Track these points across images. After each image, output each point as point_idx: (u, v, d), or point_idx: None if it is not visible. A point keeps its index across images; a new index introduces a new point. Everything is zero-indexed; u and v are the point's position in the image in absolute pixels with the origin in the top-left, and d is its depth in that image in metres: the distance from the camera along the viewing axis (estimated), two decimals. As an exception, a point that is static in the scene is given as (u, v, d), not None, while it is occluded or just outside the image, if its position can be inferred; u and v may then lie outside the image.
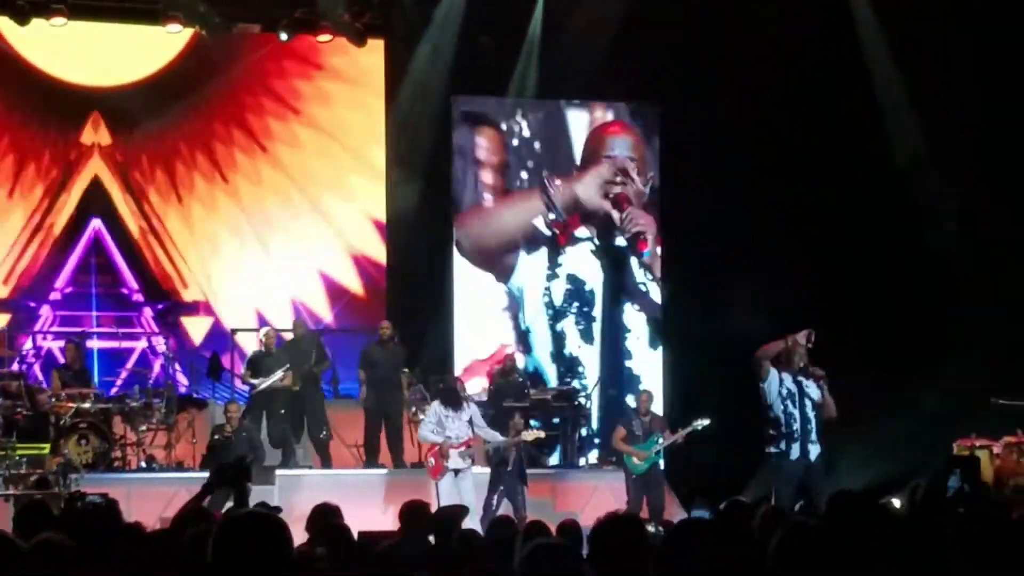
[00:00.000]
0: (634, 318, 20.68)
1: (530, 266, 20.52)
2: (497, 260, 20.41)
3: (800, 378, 13.72)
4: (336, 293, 20.98)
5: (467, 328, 20.37)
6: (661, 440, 16.64)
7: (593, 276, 20.67)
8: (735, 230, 19.59)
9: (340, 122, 21.28)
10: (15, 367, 17.78)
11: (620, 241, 20.65)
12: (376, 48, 20.90)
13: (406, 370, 18.26)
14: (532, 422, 18.25)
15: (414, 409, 17.92)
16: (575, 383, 20.06)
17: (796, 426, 13.64)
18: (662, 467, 17.64)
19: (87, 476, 15.37)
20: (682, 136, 20.29)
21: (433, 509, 12.47)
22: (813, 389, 13.72)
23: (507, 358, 19.19)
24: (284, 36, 20.20)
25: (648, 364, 20.63)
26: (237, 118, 20.94)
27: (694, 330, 19.73)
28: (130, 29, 20.24)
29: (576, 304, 20.49)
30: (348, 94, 21.29)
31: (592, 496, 17.39)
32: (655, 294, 20.73)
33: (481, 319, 20.43)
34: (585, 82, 20.16)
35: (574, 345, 20.49)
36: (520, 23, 20.35)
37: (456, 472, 15.90)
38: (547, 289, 20.49)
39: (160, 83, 20.53)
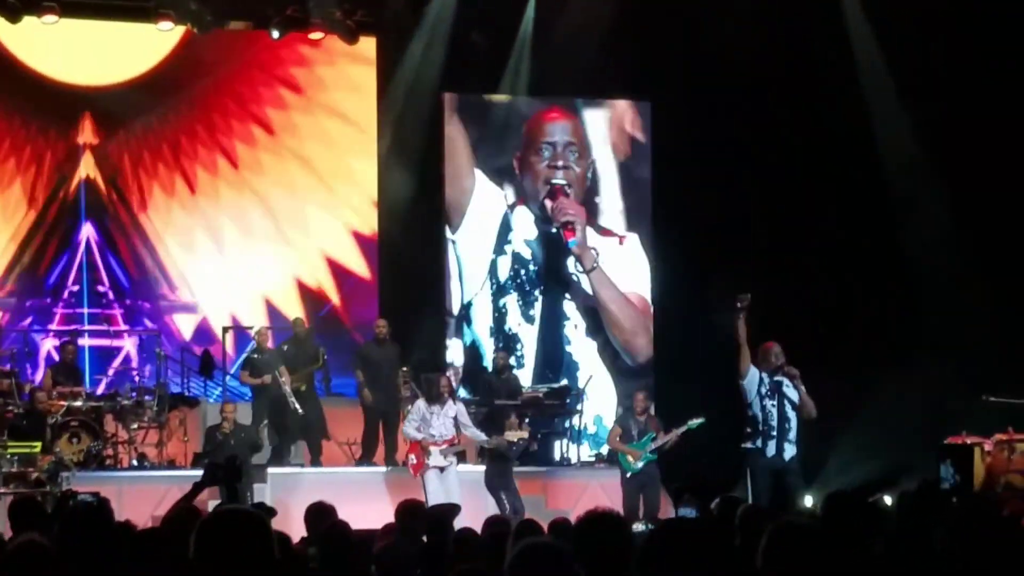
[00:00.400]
0: (570, 307, 20.64)
1: (478, 227, 20.48)
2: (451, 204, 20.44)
3: (778, 377, 13.76)
4: (342, 276, 20.94)
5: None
6: (656, 439, 16.64)
7: (535, 259, 20.64)
8: (726, 225, 19.61)
9: (332, 122, 21.27)
10: (7, 365, 17.72)
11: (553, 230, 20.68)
12: (368, 45, 20.89)
13: (404, 369, 18.25)
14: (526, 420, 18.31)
15: (409, 408, 17.89)
16: (564, 381, 20.04)
17: (773, 423, 13.70)
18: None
19: (79, 474, 15.35)
20: (673, 131, 20.29)
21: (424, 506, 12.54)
22: (791, 389, 13.76)
23: (499, 356, 19.16)
24: (276, 34, 20.16)
25: (586, 352, 20.58)
26: (228, 117, 20.92)
27: (684, 325, 19.73)
28: (121, 27, 20.21)
29: (519, 282, 20.47)
30: (340, 94, 21.28)
31: (584, 494, 17.39)
32: (586, 285, 20.67)
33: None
34: (577, 79, 20.15)
35: (514, 322, 20.47)
36: (512, 20, 20.36)
37: (441, 469, 15.87)
38: (493, 263, 20.47)
39: (151, 81, 20.53)
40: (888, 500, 17.01)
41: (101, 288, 20.27)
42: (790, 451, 13.79)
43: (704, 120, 19.56)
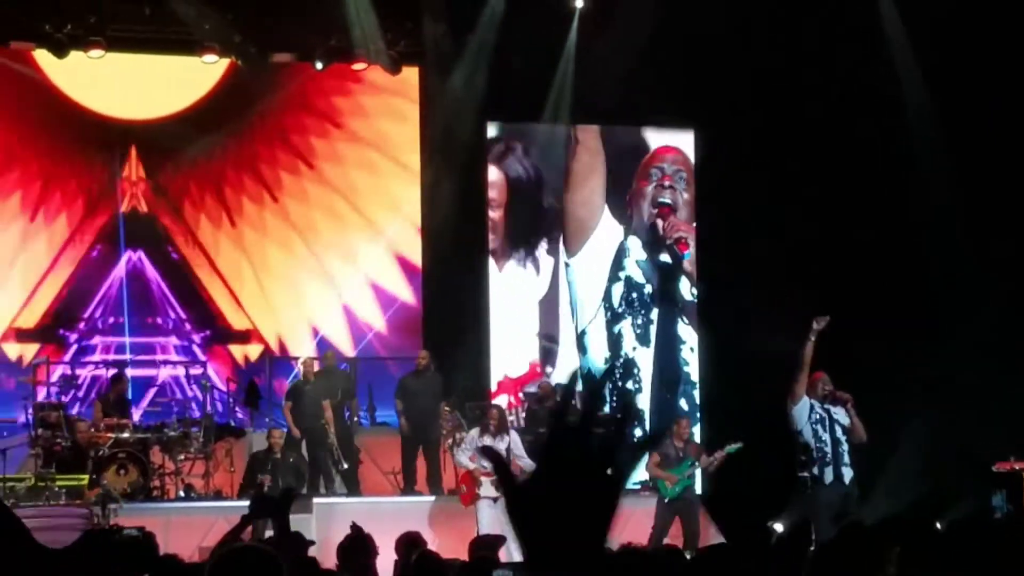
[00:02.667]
0: (684, 330, 20.69)
1: (595, 254, 20.59)
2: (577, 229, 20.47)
3: (827, 404, 13.74)
4: (388, 302, 21.00)
5: (502, 346, 20.36)
6: (695, 464, 16.60)
7: (649, 281, 20.70)
8: (769, 250, 19.57)
9: (376, 152, 21.36)
10: (54, 398, 17.84)
11: (665, 256, 20.70)
12: (411, 75, 20.98)
13: (446, 405, 18.22)
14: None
15: (450, 440, 17.88)
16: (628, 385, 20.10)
17: (828, 450, 13.63)
18: (697, 492, 17.64)
19: (126, 506, 15.42)
20: (715, 157, 20.30)
21: (471, 537, 12.57)
22: (841, 415, 13.72)
23: (543, 385, 19.16)
24: (319, 65, 20.30)
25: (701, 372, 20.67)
26: (274, 149, 21.04)
27: (727, 349, 19.71)
28: (167, 60, 20.36)
29: (634, 306, 20.52)
30: (384, 123, 21.39)
31: (628, 522, 17.33)
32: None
33: (516, 332, 20.40)
34: (618, 105, 20.17)
35: (630, 347, 20.51)
36: (554, 48, 20.40)
37: (494, 500, 15.85)
38: (608, 290, 20.54)
39: (197, 114, 20.65)
40: (938, 525, 17.00)
41: (147, 319, 20.39)
42: (848, 474, 13.73)
43: (746, 145, 19.56)
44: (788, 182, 19.55)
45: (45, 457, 16.10)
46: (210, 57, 19.70)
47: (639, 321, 20.58)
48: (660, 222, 20.72)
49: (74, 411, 18.12)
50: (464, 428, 17.65)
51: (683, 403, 20.26)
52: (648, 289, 20.69)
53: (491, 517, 15.62)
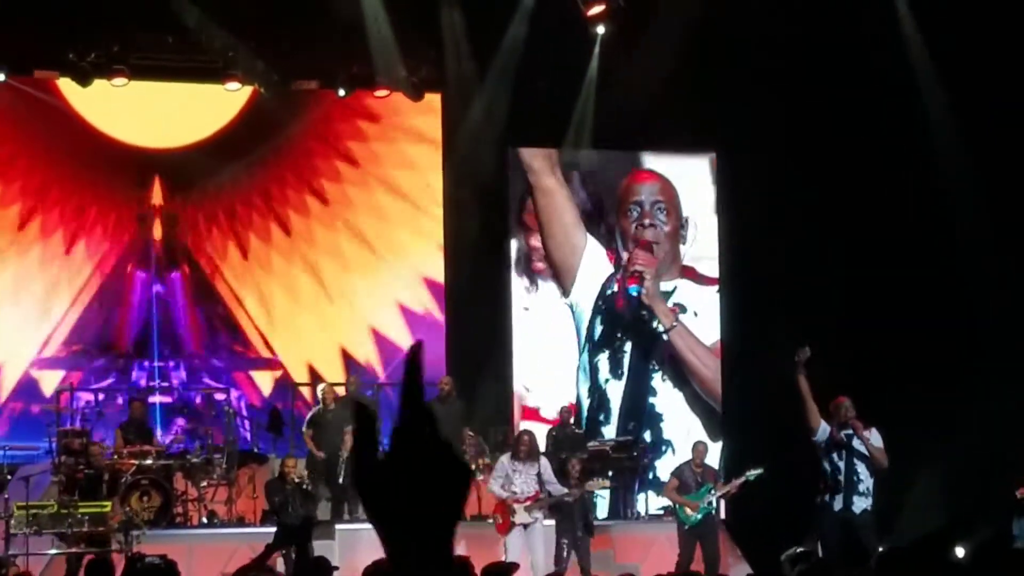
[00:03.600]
0: (657, 359, 20.60)
1: (584, 288, 20.55)
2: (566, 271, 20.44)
3: (846, 431, 13.73)
4: (389, 351, 21.04)
5: (529, 382, 20.36)
6: (714, 490, 16.58)
7: (627, 311, 20.62)
8: (791, 272, 19.57)
9: (399, 178, 21.42)
10: (78, 424, 17.89)
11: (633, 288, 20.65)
12: (432, 103, 21.04)
13: (469, 431, 18.21)
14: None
15: (474, 465, 17.84)
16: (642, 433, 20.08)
17: (841, 478, 13.67)
18: (721, 516, 17.61)
19: (149, 532, 15.45)
20: (739, 182, 20.31)
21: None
22: (859, 443, 13.71)
23: (564, 411, 19.17)
24: (342, 92, 20.40)
25: (671, 402, 20.51)
26: (298, 175, 21.13)
27: (753, 376, 19.68)
28: (190, 88, 20.46)
29: (612, 339, 20.47)
30: (403, 151, 21.44)
31: (652, 547, 17.33)
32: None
33: (543, 372, 20.39)
34: (640, 131, 20.19)
35: (603, 379, 20.46)
36: (575, 74, 20.45)
37: (525, 526, 15.81)
38: (591, 322, 20.49)
39: (220, 143, 20.74)
40: (960, 552, 16.94)
41: (172, 347, 20.45)
42: (860, 504, 13.69)
43: (769, 170, 19.57)
44: (810, 206, 19.55)
45: (68, 484, 16.13)
46: (233, 85, 19.79)
47: (614, 355, 20.49)
48: (625, 255, 20.61)
49: (98, 438, 18.15)
50: (487, 454, 17.63)
51: (647, 435, 20.12)
52: (624, 321, 20.57)
53: (516, 543, 15.60)
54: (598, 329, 20.56)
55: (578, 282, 20.55)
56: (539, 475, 15.89)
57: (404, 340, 21.09)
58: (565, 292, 20.48)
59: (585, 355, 20.50)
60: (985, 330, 18.66)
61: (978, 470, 17.27)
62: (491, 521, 16.16)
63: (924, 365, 18.74)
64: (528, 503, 15.75)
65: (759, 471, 16.58)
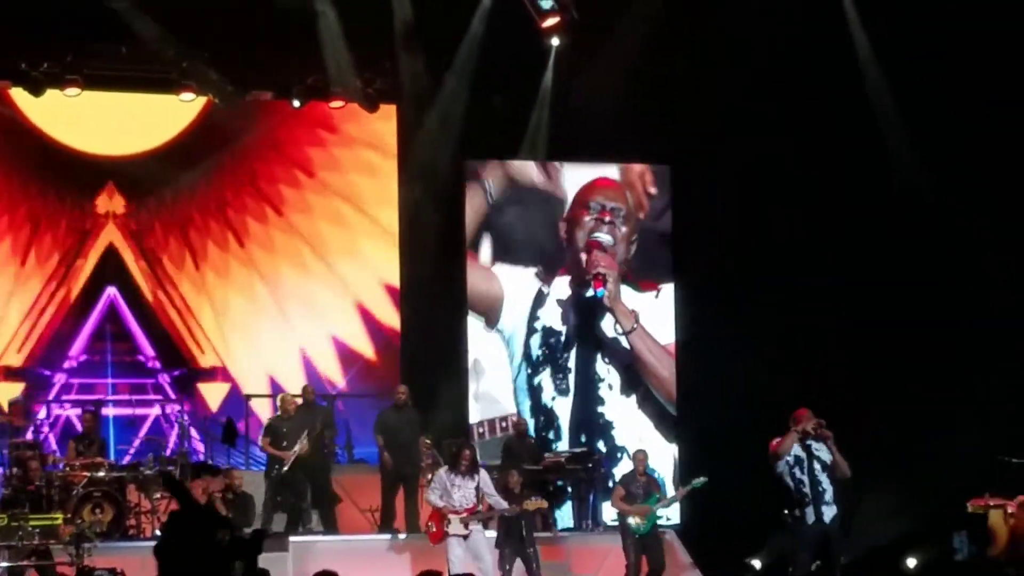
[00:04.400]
0: (603, 367, 20.59)
1: (513, 315, 20.52)
2: (488, 307, 20.42)
3: (809, 441, 13.66)
4: (349, 358, 21.05)
5: (481, 391, 20.35)
6: (660, 500, 16.65)
7: (565, 324, 20.57)
8: (745, 281, 19.68)
9: (353, 187, 21.44)
10: (30, 436, 17.76)
11: (590, 291, 20.63)
12: (388, 113, 21.05)
13: (427, 438, 18.22)
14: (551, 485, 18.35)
15: (430, 476, 17.85)
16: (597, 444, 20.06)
17: (806, 490, 13.57)
18: (677, 522, 17.68)
19: (101, 545, 15.35)
20: (693, 191, 20.39)
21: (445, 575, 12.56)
22: (824, 452, 13.67)
23: (520, 422, 19.19)
24: (296, 103, 20.36)
25: (622, 410, 20.48)
26: (250, 185, 21.10)
27: (707, 383, 19.76)
28: (144, 98, 20.40)
29: (552, 355, 20.44)
30: (360, 159, 21.46)
31: (607, 558, 17.35)
32: (623, 342, 20.64)
33: (493, 382, 20.40)
34: (595, 142, 20.25)
35: (549, 397, 20.43)
36: (531, 85, 20.50)
37: (464, 537, 15.80)
38: (527, 343, 20.46)
39: (174, 151, 20.70)
40: (912, 562, 17.05)
41: (125, 358, 20.37)
42: (830, 513, 13.62)
43: (723, 179, 19.68)
44: (763, 217, 19.66)
45: (19, 496, 16.02)
46: (187, 95, 19.74)
47: (558, 372, 20.44)
48: (584, 256, 20.63)
49: (51, 451, 18.06)
50: (441, 465, 17.62)
51: (601, 445, 20.15)
52: (564, 332, 20.53)
53: (461, 555, 15.57)
54: (536, 350, 20.49)
55: (504, 311, 20.47)
56: (478, 488, 15.85)
57: (365, 347, 21.08)
58: (491, 324, 20.41)
59: (523, 376, 20.46)
60: (945, 344, 18.79)
61: (931, 482, 17.35)
62: (426, 530, 16.13)
63: (880, 373, 18.86)
64: (465, 515, 15.70)
65: (703, 480, 16.68)
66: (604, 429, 20.34)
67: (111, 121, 20.41)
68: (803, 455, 13.60)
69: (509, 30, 19.63)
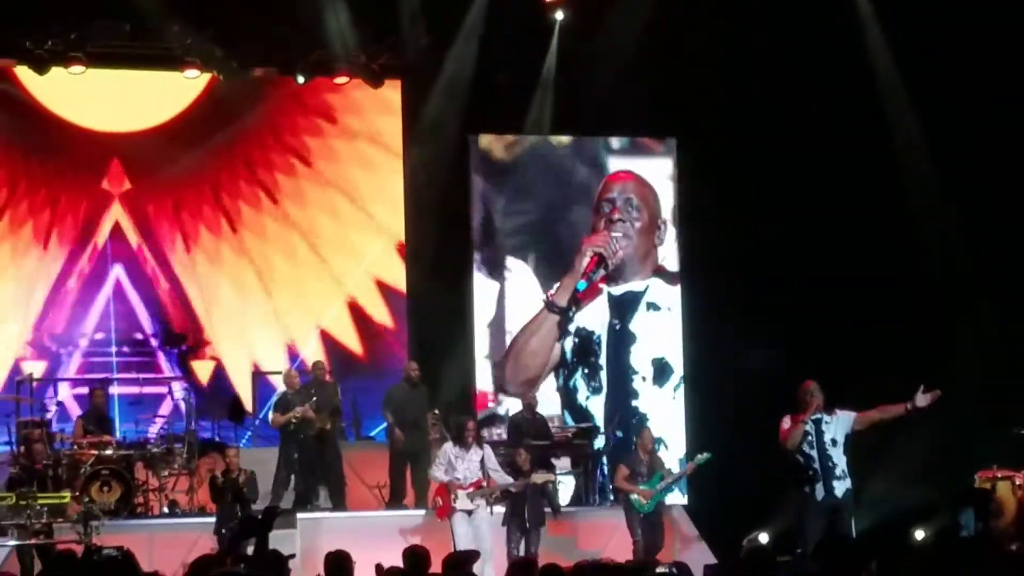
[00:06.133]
0: (639, 357, 20.42)
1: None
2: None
3: (818, 415, 13.63)
4: (339, 347, 20.98)
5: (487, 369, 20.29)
6: (665, 478, 16.58)
7: (599, 322, 20.41)
8: (752, 258, 19.59)
9: (359, 158, 21.39)
10: (37, 416, 17.77)
11: (625, 287, 20.46)
12: (392, 89, 20.99)
13: (435, 412, 18.24)
14: (554, 460, 18.30)
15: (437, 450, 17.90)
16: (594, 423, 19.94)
17: (816, 466, 13.57)
18: (684, 501, 17.66)
19: (109, 523, 15.37)
20: (698, 166, 20.31)
21: (449, 551, 12.55)
22: (832, 427, 13.64)
23: (529, 398, 19.10)
24: (301, 79, 20.30)
25: (654, 401, 20.27)
26: (253, 164, 21.05)
27: (713, 363, 19.72)
28: (148, 75, 20.35)
29: (585, 356, 20.28)
30: (367, 129, 21.42)
31: (614, 534, 17.33)
32: (659, 331, 20.54)
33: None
34: (600, 116, 20.18)
35: (583, 397, 20.25)
36: (535, 59, 20.42)
37: (469, 513, 15.81)
38: (562, 349, 20.24)
39: (178, 128, 20.66)
40: (920, 534, 17.04)
41: (131, 335, 20.37)
42: (841, 487, 13.62)
43: (729, 154, 19.60)
44: (770, 192, 19.59)
45: (27, 475, 16.04)
46: (191, 72, 19.68)
47: (591, 371, 20.19)
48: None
49: (58, 429, 18.07)
50: (447, 440, 17.64)
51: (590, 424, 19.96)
52: (596, 336, 20.27)
53: (465, 531, 15.59)
54: (569, 354, 20.27)
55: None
56: (482, 462, 15.88)
57: (352, 342, 21.05)
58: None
59: (560, 380, 20.33)
60: (951, 319, 18.75)
61: (940, 457, 17.33)
62: (432, 506, 16.14)
63: (890, 353, 18.81)
64: (471, 489, 15.73)
65: (707, 456, 16.60)
66: (642, 422, 19.98)
67: (116, 98, 20.37)
68: (812, 431, 13.58)
69: (514, 2, 19.56)
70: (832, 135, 19.19)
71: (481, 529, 15.72)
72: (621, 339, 20.36)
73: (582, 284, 20.06)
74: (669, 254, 20.71)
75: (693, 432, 19.92)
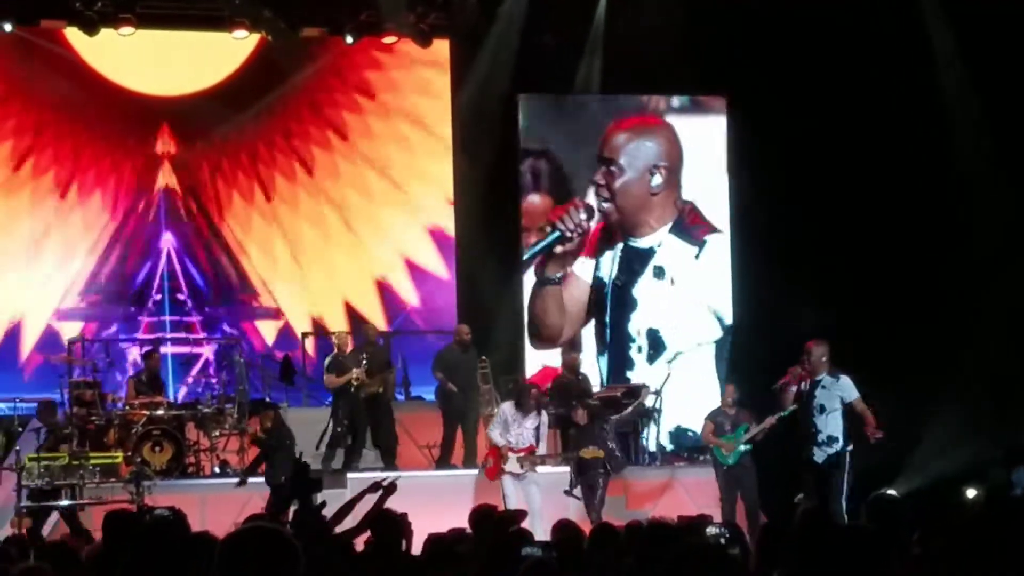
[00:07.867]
0: (637, 325, 20.13)
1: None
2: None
3: (821, 377, 14.04)
4: (396, 304, 21.03)
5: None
6: (749, 430, 16.48)
7: (607, 275, 20.28)
8: (801, 219, 19.47)
9: (407, 127, 21.37)
10: (91, 376, 17.88)
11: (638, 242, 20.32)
12: (440, 49, 20.96)
13: (483, 358, 18.31)
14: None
15: (488, 410, 17.93)
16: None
17: (802, 432, 14.12)
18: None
19: (161, 483, 15.47)
20: (748, 126, 20.17)
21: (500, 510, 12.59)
22: (827, 392, 13.95)
23: (572, 359, 18.99)
24: (349, 39, 20.28)
25: (646, 377, 19.75)
26: (303, 122, 21.08)
27: (762, 323, 19.62)
28: (197, 37, 20.38)
29: (599, 313, 20.17)
30: (415, 98, 21.39)
31: (664, 494, 17.33)
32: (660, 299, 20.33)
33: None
34: (649, 75, 20.05)
35: (593, 355, 20.07)
36: (584, 18, 20.32)
37: (516, 476, 15.89)
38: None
39: (228, 90, 20.72)
40: (972, 493, 16.96)
41: (181, 296, 20.48)
42: (821, 454, 14.03)
43: (780, 114, 19.44)
44: (821, 153, 19.43)
45: (80, 435, 16.16)
46: (240, 33, 19.69)
47: (599, 328, 20.03)
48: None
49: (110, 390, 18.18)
50: (498, 402, 17.66)
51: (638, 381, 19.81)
52: (607, 291, 20.09)
53: (514, 490, 15.74)
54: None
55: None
56: (537, 429, 15.94)
57: (409, 295, 21.08)
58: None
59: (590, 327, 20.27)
60: (995, 283, 18.60)
61: (987, 418, 17.25)
62: (483, 465, 16.21)
63: (935, 317, 18.69)
64: (522, 454, 15.84)
65: (794, 407, 16.33)
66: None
67: (165, 60, 20.42)
68: (805, 395, 13.98)
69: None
70: (885, 102, 19.03)
71: (530, 490, 15.82)
72: (623, 301, 20.17)
73: (528, 252, 19.86)
74: (710, 208, 20.46)
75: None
